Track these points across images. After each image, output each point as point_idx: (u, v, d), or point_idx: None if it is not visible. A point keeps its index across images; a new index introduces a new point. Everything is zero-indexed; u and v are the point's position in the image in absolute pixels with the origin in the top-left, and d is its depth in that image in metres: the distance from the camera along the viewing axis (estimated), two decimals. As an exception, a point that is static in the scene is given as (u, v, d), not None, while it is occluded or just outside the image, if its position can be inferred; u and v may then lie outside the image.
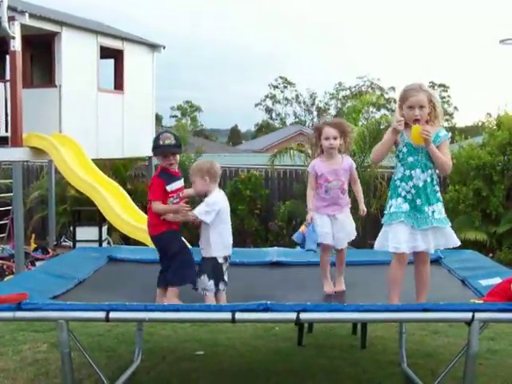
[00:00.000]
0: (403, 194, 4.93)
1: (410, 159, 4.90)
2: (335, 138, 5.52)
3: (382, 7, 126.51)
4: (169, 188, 5.42)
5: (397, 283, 4.97)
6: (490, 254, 12.26)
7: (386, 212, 5.05)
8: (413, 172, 4.90)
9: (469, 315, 4.36)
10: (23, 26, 12.00)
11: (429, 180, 4.91)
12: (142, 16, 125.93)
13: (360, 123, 15.30)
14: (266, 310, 4.42)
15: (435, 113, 4.94)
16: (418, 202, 4.89)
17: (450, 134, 5.11)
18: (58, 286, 5.54)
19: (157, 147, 5.55)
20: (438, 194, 4.99)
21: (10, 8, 11.66)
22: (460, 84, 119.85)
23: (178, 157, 5.61)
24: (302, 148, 15.49)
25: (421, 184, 4.88)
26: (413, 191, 4.90)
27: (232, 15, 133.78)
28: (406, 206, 4.90)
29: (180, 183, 5.55)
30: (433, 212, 4.89)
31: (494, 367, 6.39)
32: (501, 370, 6.34)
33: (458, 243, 5.06)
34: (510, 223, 13.21)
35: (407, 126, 4.89)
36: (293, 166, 15.96)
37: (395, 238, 4.88)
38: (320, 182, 5.61)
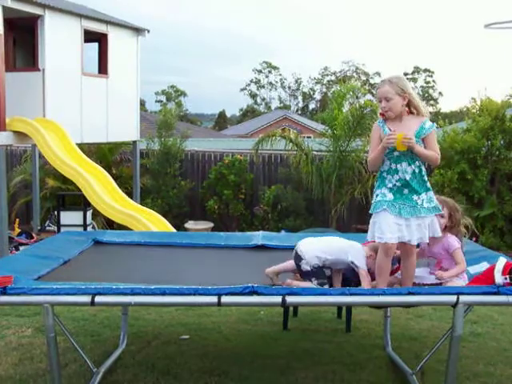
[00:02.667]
0: (389, 185, 4.87)
1: (396, 153, 4.80)
2: (442, 216, 5.18)
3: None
4: None
5: (383, 273, 4.92)
6: (474, 238, 12.34)
7: (372, 201, 5.00)
8: (398, 166, 4.83)
9: (453, 298, 4.39)
10: (5, 9, 11.88)
11: (417, 171, 4.84)
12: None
13: (345, 109, 15.32)
14: (252, 293, 4.42)
15: (414, 103, 4.88)
16: (405, 191, 4.82)
17: (435, 125, 5.00)
18: (42, 266, 5.54)
19: None
20: (428, 184, 4.90)
21: (-9, -10, 11.55)
22: (445, 69, 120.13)
23: None
24: (286, 133, 15.55)
25: (408, 177, 4.81)
26: (398, 184, 4.84)
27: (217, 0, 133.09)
28: (390, 196, 4.83)
29: None
30: (422, 201, 4.83)
31: (476, 350, 6.47)
32: (484, 352, 6.41)
33: (440, 234, 5.00)
34: (493, 207, 13.32)
35: (387, 119, 4.90)
36: (277, 150, 15.94)
37: (379, 228, 4.83)
38: None
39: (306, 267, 5.19)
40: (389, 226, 4.78)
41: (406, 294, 4.50)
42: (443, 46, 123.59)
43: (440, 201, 5.16)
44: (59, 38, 13.51)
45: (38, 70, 13.17)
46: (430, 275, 5.20)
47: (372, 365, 6.09)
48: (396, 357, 6.15)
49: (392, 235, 4.78)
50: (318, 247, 5.26)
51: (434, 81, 78.52)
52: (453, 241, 5.18)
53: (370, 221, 4.98)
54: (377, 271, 4.97)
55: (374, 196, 4.97)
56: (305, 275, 5.19)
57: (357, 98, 15.65)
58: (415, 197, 4.83)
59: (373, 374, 5.89)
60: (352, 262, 5.14)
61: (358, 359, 6.22)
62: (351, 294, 4.52)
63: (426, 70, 78.02)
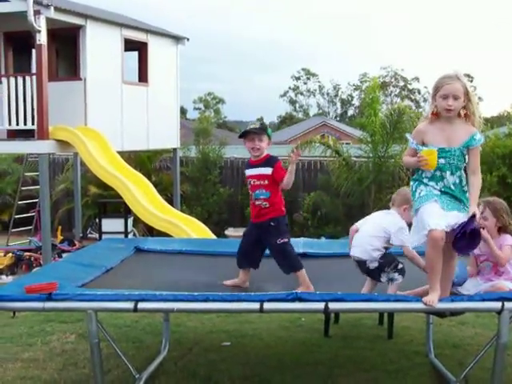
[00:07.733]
0: (435, 187, 4.66)
1: (441, 161, 4.62)
2: (485, 219, 5.11)
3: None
4: (246, 173, 6.01)
5: (435, 269, 4.55)
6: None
7: (414, 200, 4.74)
8: (443, 173, 4.65)
9: (498, 305, 4.32)
10: (48, 20, 12.05)
11: (457, 181, 4.68)
12: (166, 8, 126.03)
13: (381, 113, 15.24)
14: (296, 299, 4.41)
15: (471, 108, 4.69)
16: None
17: (483, 138, 4.78)
18: (86, 274, 5.60)
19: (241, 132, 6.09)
20: (467, 194, 4.72)
21: (35, 2, 11.71)
22: (486, 74, 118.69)
23: (263, 143, 5.95)
24: (325, 140, 15.50)
25: (452, 186, 4.65)
26: (442, 190, 4.65)
27: (256, 7, 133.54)
28: (437, 192, 4.62)
29: (252, 172, 5.95)
30: (465, 207, 4.64)
31: (522, 358, 6.35)
32: (530, 361, 6.29)
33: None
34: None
35: (437, 119, 4.67)
36: (316, 157, 15.90)
37: (431, 217, 4.51)
38: None
39: (373, 265, 5.08)
40: (435, 213, 4.52)
41: (450, 301, 4.45)
42: (484, 50, 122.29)
43: (483, 202, 5.07)
44: (100, 48, 13.66)
45: (80, 79, 13.33)
46: (477, 286, 5.07)
47: (415, 372, 6.03)
48: (439, 364, 6.07)
49: (439, 222, 4.48)
50: (366, 240, 5.14)
51: (474, 86, 77.64)
52: (508, 237, 5.07)
53: (413, 227, 4.76)
54: (428, 268, 4.66)
55: (417, 193, 4.71)
56: (377, 273, 5.08)
57: (397, 101, 15.55)
58: (459, 204, 4.66)
59: (416, 381, 5.84)
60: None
61: (401, 366, 6.17)
62: (395, 301, 4.49)
63: (465, 75, 76.87)
